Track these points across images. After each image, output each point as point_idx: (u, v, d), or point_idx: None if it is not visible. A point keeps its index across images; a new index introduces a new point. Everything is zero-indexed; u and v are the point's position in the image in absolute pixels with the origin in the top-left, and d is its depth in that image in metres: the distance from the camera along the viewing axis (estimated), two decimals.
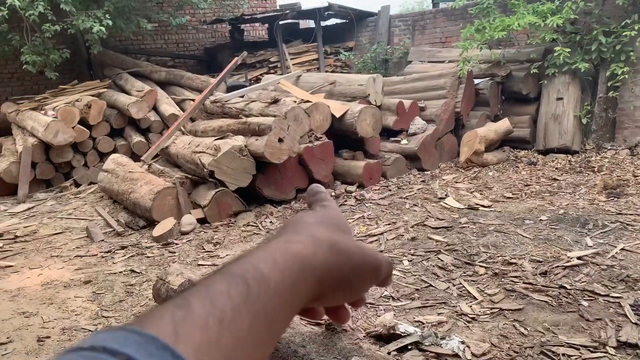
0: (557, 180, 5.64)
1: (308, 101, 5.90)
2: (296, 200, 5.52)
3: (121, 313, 3.26)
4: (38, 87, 9.55)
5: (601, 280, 3.25)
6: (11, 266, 4.17)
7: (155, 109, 7.63)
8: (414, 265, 3.71)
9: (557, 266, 3.46)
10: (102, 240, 4.74)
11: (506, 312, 2.96)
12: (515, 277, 3.37)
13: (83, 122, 7.03)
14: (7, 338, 3.02)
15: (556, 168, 6.12)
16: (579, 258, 3.55)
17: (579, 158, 6.35)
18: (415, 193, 5.54)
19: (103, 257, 4.32)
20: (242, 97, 6.59)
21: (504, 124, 6.50)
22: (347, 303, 0.48)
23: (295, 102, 5.72)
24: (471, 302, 3.12)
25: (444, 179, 6.02)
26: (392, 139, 6.51)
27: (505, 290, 3.21)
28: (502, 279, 3.37)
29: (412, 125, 6.45)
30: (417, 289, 3.33)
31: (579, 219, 4.36)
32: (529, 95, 6.92)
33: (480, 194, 5.38)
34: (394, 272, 3.61)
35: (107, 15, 6.92)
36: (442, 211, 4.89)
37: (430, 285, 3.38)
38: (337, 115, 5.78)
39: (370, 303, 3.17)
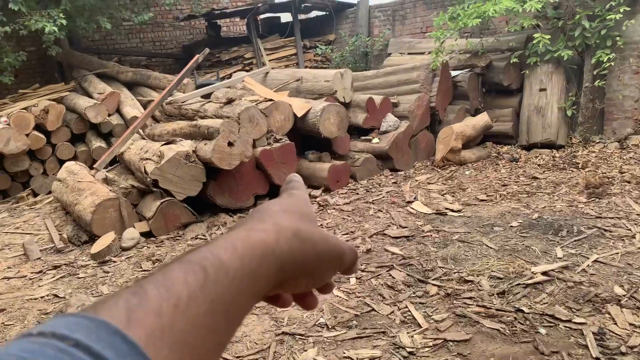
0: (538, 179, 5.21)
1: (271, 100, 5.51)
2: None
3: None
4: (8, 92, 9.20)
5: (565, 301, 2.84)
6: None
7: (119, 111, 7.27)
8: (361, 284, 3.32)
9: (519, 284, 3.06)
10: (39, 258, 4.39)
11: (450, 343, 2.57)
12: (469, 298, 2.97)
13: (42, 128, 6.68)
14: None
15: (538, 165, 5.69)
16: (544, 273, 3.14)
17: (564, 153, 5.91)
18: (383, 197, 5.14)
19: (31, 279, 3.96)
20: (208, 96, 6.21)
21: (482, 119, 6.06)
22: (315, 289, 0.48)
23: (253, 102, 5.33)
24: (414, 330, 2.72)
25: (416, 180, 5.60)
26: (363, 137, 6.09)
27: (455, 316, 2.81)
28: (455, 301, 2.97)
29: (383, 123, 6.04)
30: (356, 315, 2.94)
31: (552, 225, 3.94)
32: (510, 87, 6.47)
33: (452, 196, 4.97)
34: (337, 293, 3.21)
35: (61, 15, 6.53)
36: (407, 217, 4.49)
37: (373, 309, 2.99)
38: (299, 115, 5.38)
39: (300, 334, 2.78)
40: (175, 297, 0.32)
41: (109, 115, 7.07)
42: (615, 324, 2.58)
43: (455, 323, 2.75)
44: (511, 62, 6.19)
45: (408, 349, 2.55)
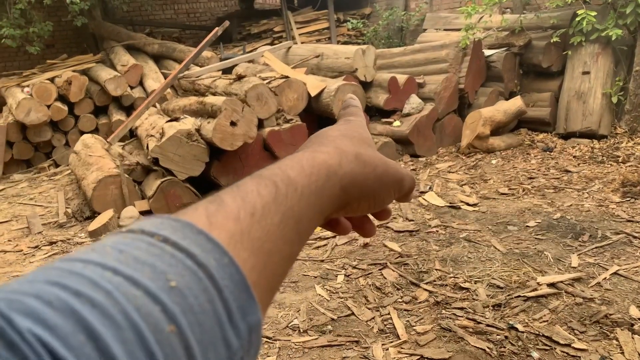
0: (570, 172, 4.73)
1: (286, 77, 5.24)
2: None
3: None
4: (38, 62, 9.34)
5: (569, 320, 2.49)
6: None
7: (142, 84, 7.21)
8: (348, 283, 3.07)
9: (519, 296, 2.72)
10: (40, 232, 4.38)
11: None
12: (460, 308, 2.67)
13: (66, 99, 6.71)
14: None
15: (574, 156, 5.17)
16: (550, 285, 2.79)
17: (606, 144, 5.35)
18: None
19: (25, 254, 3.95)
20: (230, 71, 6.02)
21: (515, 104, 5.56)
22: (373, 215, 0.50)
23: (266, 79, 5.08)
24: (390, 342, 2.46)
25: (437, 168, 5.23)
26: (384, 120, 5.74)
27: (440, 329, 2.52)
28: (444, 310, 2.67)
29: (406, 105, 5.65)
30: (333, 319, 2.70)
31: (574, 227, 3.52)
32: (551, 69, 5.90)
33: (471, 187, 4.59)
34: (319, 292, 2.98)
35: None
36: (416, 210, 4.17)
37: (353, 313, 2.74)
38: (313, 94, 5.10)
39: (267, 337, 2.58)
40: (250, 206, 0.34)
41: (131, 87, 7.01)
42: (622, 353, 2.22)
43: (438, 337, 2.46)
44: (552, 41, 5.61)
45: None
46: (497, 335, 2.42)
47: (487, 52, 5.99)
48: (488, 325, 2.49)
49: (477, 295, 2.78)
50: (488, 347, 2.33)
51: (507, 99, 5.94)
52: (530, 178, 4.69)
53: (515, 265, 3.06)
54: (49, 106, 6.43)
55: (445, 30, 7.28)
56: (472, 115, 5.53)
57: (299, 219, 0.37)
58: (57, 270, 0.25)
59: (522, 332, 2.42)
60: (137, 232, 0.29)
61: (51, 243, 4.10)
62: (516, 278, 2.90)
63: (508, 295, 2.73)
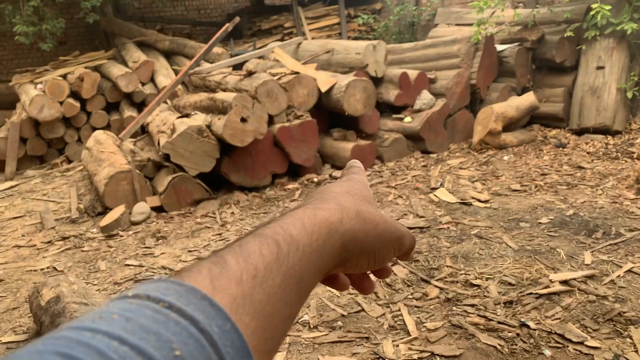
0: (583, 168, 4.67)
1: (296, 73, 5.23)
2: (272, 187, 4.94)
3: (4, 325, 2.88)
4: (51, 59, 9.43)
5: (582, 318, 2.46)
6: None
7: (153, 80, 7.24)
8: None
9: (531, 293, 2.69)
10: (53, 227, 4.43)
11: (438, 359, 2.28)
12: (471, 305, 2.65)
13: (78, 96, 6.76)
14: None
15: (587, 152, 5.11)
16: (563, 282, 2.76)
17: (620, 140, 5.28)
18: (407, 181, 4.79)
19: (39, 249, 3.99)
20: (240, 67, 6.02)
21: (527, 99, 5.50)
22: (373, 273, 0.51)
23: (276, 75, 5.07)
24: (401, 338, 2.45)
25: (448, 164, 5.19)
26: (395, 116, 5.71)
27: (450, 325, 2.51)
28: (454, 307, 2.65)
29: (418, 100, 5.62)
30: (344, 315, 2.70)
31: (588, 224, 3.48)
32: (564, 64, 5.83)
33: (483, 184, 4.55)
34: (329, 288, 2.97)
35: None
36: (427, 206, 4.14)
37: (363, 310, 2.73)
38: (323, 90, 5.08)
39: None
40: (253, 268, 0.35)
41: (143, 84, 7.06)
42: (636, 351, 2.19)
43: (448, 334, 2.45)
44: (566, 36, 5.54)
45: None
46: (509, 332, 2.40)
47: (500, 47, 5.93)
48: (499, 323, 2.47)
49: (488, 292, 2.76)
50: (499, 344, 2.31)
51: (519, 95, 5.88)
52: (543, 174, 4.64)
53: (527, 262, 3.03)
54: (61, 103, 6.48)
55: (457, 25, 7.22)
56: (483, 111, 5.49)
57: (300, 277, 0.37)
58: (66, 340, 0.25)
59: (534, 329, 2.40)
60: (143, 298, 0.29)
61: (64, 238, 4.14)
62: (528, 275, 2.88)
63: (520, 292, 2.71)
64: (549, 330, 2.38)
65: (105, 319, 0.27)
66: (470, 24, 6.83)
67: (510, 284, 2.81)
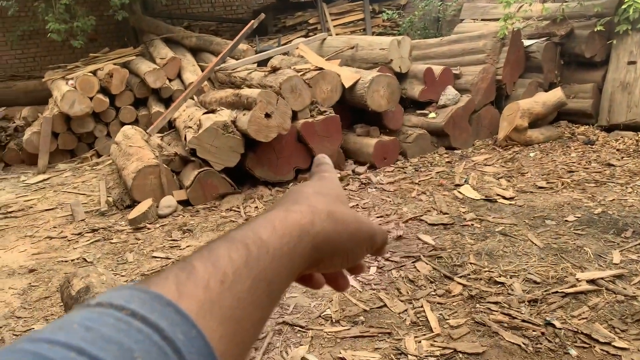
0: (613, 166, 4.57)
1: (320, 69, 5.25)
2: (295, 182, 4.98)
3: (35, 314, 2.99)
4: (82, 56, 9.63)
5: (610, 318, 2.42)
6: None
7: (180, 77, 7.34)
8: (381, 275, 3.07)
9: (557, 292, 2.66)
10: (83, 220, 4.55)
11: (460, 355, 2.28)
12: (495, 303, 2.63)
13: (107, 91, 6.91)
14: None
15: (617, 150, 5.00)
16: (590, 282, 2.72)
17: None
18: (431, 177, 4.77)
19: (69, 240, 4.11)
20: (265, 64, 6.07)
21: (554, 95, 5.40)
22: (347, 270, 0.50)
23: (300, 71, 5.10)
24: (423, 335, 2.46)
25: (472, 160, 5.15)
26: (419, 111, 5.67)
27: (473, 323, 2.50)
28: (478, 305, 2.65)
29: (442, 96, 5.57)
30: (366, 310, 2.71)
31: (617, 223, 3.42)
32: (594, 59, 5.70)
33: (508, 181, 4.50)
34: (352, 282, 2.99)
35: None
36: (451, 203, 4.12)
37: (385, 305, 2.74)
38: (347, 85, 5.08)
39: (300, 326, 2.61)
40: (221, 273, 0.34)
41: (170, 80, 7.16)
42: None
43: (471, 331, 2.45)
44: (596, 30, 5.42)
45: (411, 356, 2.30)
46: (533, 331, 2.38)
47: (527, 42, 5.83)
48: (524, 321, 2.45)
49: (512, 290, 2.74)
50: (523, 343, 2.30)
51: (546, 91, 5.78)
52: (570, 171, 4.56)
53: (553, 261, 2.99)
54: (91, 98, 6.64)
55: (482, 20, 7.12)
56: (509, 107, 5.41)
57: (270, 281, 0.37)
58: (22, 353, 0.25)
59: (560, 328, 2.37)
60: (105, 306, 0.29)
61: (93, 230, 4.26)
62: (554, 273, 2.84)
63: (545, 290, 2.68)
64: (575, 329, 2.35)
65: (65, 329, 0.27)
66: (497, 19, 6.73)
67: (535, 282, 2.79)
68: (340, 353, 2.37)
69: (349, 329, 2.56)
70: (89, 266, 3.15)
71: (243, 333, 0.34)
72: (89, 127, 6.82)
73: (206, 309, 0.32)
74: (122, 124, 6.97)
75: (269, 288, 0.37)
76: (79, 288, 2.64)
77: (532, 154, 5.14)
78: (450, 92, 5.54)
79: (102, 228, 4.28)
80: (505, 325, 2.44)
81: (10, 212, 4.91)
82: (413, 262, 3.18)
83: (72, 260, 3.70)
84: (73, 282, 2.74)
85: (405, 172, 5.00)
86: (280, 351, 2.43)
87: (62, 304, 2.89)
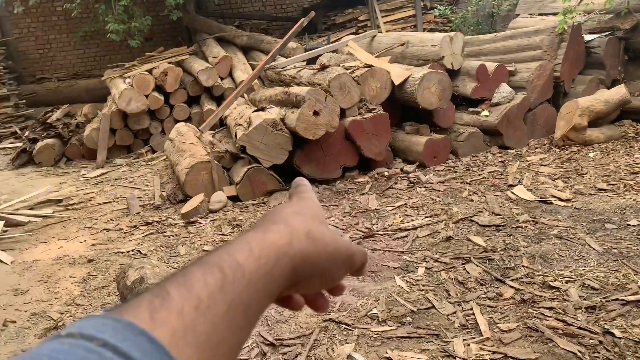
0: None
1: (370, 66, 5.22)
2: (342, 180, 4.97)
3: (94, 302, 3.13)
4: (138, 55, 9.98)
5: None
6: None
7: (231, 75, 7.50)
8: (429, 276, 3.02)
9: (617, 299, 2.53)
10: (138, 213, 4.73)
11: None
12: (549, 308, 2.53)
13: (162, 89, 7.15)
14: None
15: None
16: None
17: None
18: (483, 177, 4.64)
19: (125, 232, 4.28)
20: (314, 62, 6.11)
21: (617, 92, 5.13)
22: (327, 291, 0.50)
23: (349, 68, 5.08)
24: (472, 338, 2.40)
25: (527, 160, 4.97)
26: (471, 109, 5.53)
27: (526, 328, 2.42)
28: (530, 309, 2.55)
29: (496, 94, 5.40)
30: (413, 311, 2.68)
31: None
32: None
33: (565, 182, 4.31)
34: (399, 283, 2.96)
35: None
36: (503, 203, 4.00)
37: (433, 307, 2.69)
38: (397, 83, 5.03)
39: (346, 324, 2.61)
40: (196, 298, 0.34)
41: (221, 79, 7.32)
42: None
43: (524, 337, 2.36)
44: None
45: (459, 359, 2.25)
46: (590, 339, 2.27)
47: (588, 37, 5.57)
48: (580, 328, 2.34)
49: (568, 295, 2.62)
50: (579, 351, 2.20)
51: (608, 88, 5.50)
52: (634, 173, 4.32)
53: (613, 266, 2.85)
54: (147, 96, 6.88)
55: (539, 15, 6.86)
56: (567, 105, 5.18)
57: (247, 305, 0.37)
58: None
59: (620, 337, 2.25)
60: (76, 337, 0.28)
61: (147, 224, 4.41)
62: (614, 280, 2.70)
63: (604, 297, 2.55)
64: (637, 339, 2.23)
65: None
66: (555, 14, 6.46)
67: (593, 288, 2.66)
68: (387, 353, 2.35)
69: (395, 329, 2.54)
70: (143, 258, 3.27)
71: (220, 358, 0.33)
72: (145, 124, 7.07)
73: (180, 336, 0.31)
74: (176, 121, 7.18)
75: (246, 311, 0.36)
76: (133, 279, 2.74)
77: (591, 154, 4.90)
78: (504, 89, 5.37)
79: (156, 221, 4.43)
80: (560, 331, 2.35)
81: (72, 205, 5.16)
82: (463, 264, 3.10)
83: (127, 252, 3.85)
84: (128, 273, 2.85)
85: (456, 172, 4.89)
86: (327, 348, 2.44)
87: (117, 293, 3.02)
